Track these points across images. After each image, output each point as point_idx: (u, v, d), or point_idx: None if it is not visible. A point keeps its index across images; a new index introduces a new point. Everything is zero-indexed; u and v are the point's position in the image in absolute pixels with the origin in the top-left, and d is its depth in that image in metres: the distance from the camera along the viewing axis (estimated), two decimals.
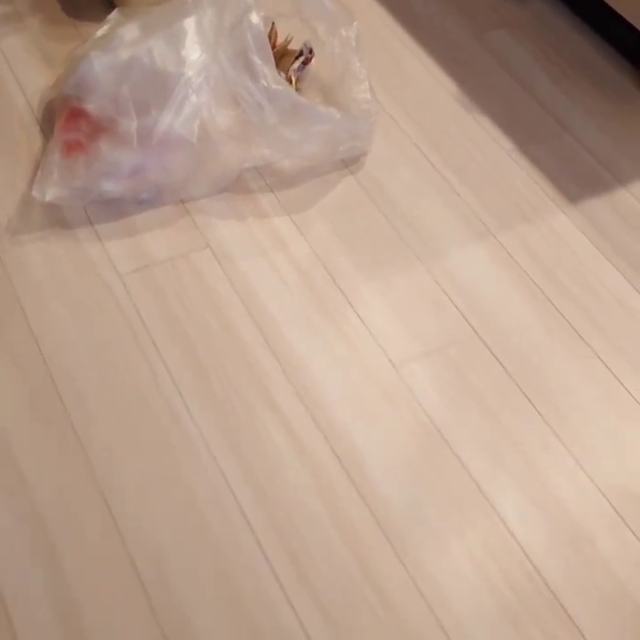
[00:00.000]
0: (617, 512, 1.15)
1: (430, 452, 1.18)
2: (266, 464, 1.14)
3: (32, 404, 1.16)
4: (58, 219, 1.36)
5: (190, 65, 1.38)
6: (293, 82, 1.55)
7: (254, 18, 1.36)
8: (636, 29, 1.68)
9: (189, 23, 1.40)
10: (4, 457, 1.11)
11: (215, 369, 1.23)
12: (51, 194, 1.32)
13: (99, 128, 1.39)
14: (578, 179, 1.55)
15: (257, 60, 1.36)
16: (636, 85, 1.73)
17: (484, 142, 1.59)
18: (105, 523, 1.07)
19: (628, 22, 1.68)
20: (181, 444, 1.15)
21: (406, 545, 1.10)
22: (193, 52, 1.38)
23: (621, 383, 1.28)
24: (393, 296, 1.34)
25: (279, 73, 1.52)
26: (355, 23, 1.51)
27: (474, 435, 1.20)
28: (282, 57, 1.60)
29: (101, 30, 1.53)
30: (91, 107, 1.41)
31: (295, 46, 1.61)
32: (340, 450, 1.17)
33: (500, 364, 1.28)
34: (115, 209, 1.38)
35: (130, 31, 1.46)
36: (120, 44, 1.44)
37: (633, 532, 1.13)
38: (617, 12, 1.68)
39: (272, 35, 1.60)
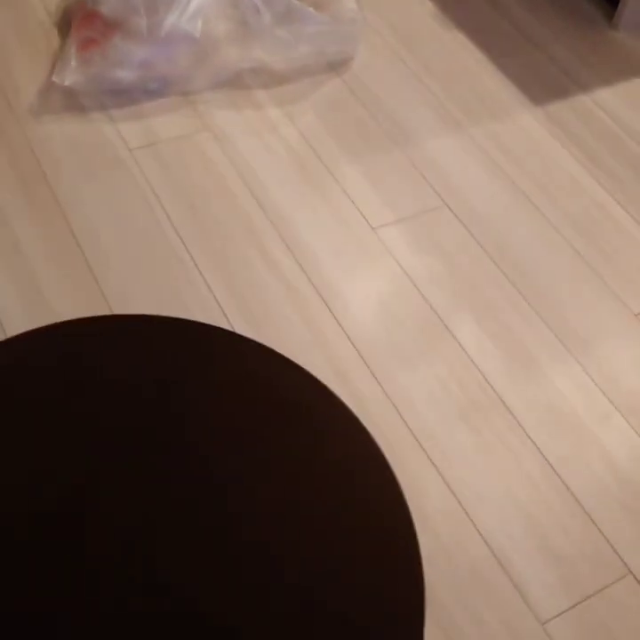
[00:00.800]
0: (567, 348, 1.32)
1: (401, 295, 1.35)
2: (256, 297, 1.31)
3: (51, 249, 1.32)
4: (75, 104, 1.53)
5: None
6: None
7: None
8: None
9: None
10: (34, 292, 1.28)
11: (215, 226, 1.39)
12: (69, 79, 1.49)
13: (111, 26, 1.55)
14: (543, 85, 1.72)
15: None
16: (601, 10, 1.90)
17: (459, 54, 1.75)
18: None
19: None
20: (183, 279, 1.31)
21: (381, 368, 1.26)
22: None
23: (571, 245, 1.45)
24: (373, 174, 1.51)
25: None
26: None
27: (441, 283, 1.37)
28: None
29: None
30: (104, 8, 1.57)
31: None
32: (324, 290, 1.33)
33: (466, 228, 1.45)
34: (126, 97, 1.55)
35: None
36: None
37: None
38: None
39: None
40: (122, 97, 1.55)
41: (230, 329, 1.26)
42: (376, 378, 1.25)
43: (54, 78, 1.49)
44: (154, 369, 0.74)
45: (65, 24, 1.66)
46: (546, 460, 1.19)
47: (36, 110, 1.51)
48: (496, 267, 1.41)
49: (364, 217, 1.44)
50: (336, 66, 1.68)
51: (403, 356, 1.28)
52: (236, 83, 1.62)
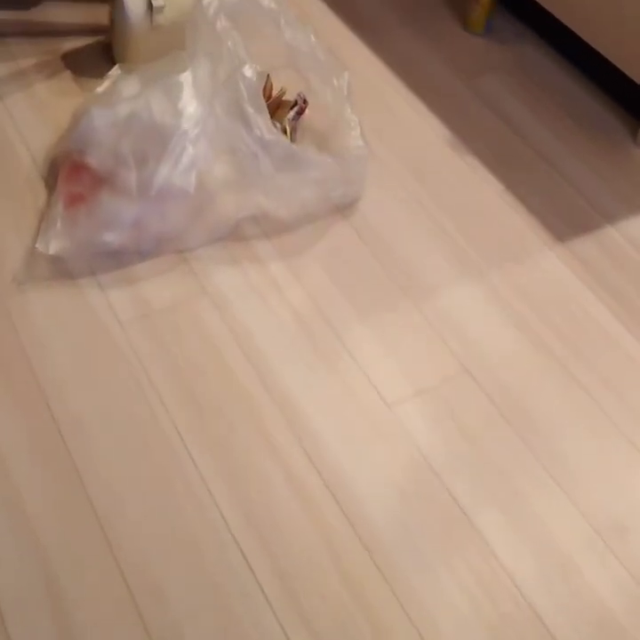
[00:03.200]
0: (605, 543, 1.18)
1: (421, 486, 1.21)
2: (261, 499, 1.18)
3: (32, 445, 1.20)
4: (62, 270, 1.41)
5: (187, 117, 1.43)
6: (288, 132, 1.60)
7: (247, 70, 1.41)
8: (625, 73, 1.73)
9: (186, 77, 1.47)
10: (7, 491, 1.15)
11: (213, 408, 1.27)
12: (54, 246, 1.38)
13: (99, 180, 1.45)
14: (566, 217, 1.59)
15: (250, 110, 1.42)
16: (625, 125, 1.78)
17: (474, 184, 1.64)
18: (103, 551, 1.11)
19: (614, 65, 1.73)
20: (181, 484, 1.18)
21: (397, 574, 1.12)
22: (189, 104, 1.44)
23: (609, 417, 1.31)
24: (386, 337, 1.38)
25: (275, 123, 1.58)
26: (346, 73, 1.57)
27: (465, 469, 1.23)
28: (277, 108, 1.66)
29: (102, 86, 1.60)
30: (92, 160, 1.46)
31: (290, 97, 1.67)
32: (334, 485, 1.20)
33: (491, 400, 1.32)
34: (116, 259, 1.43)
35: (129, 86, 1.53)
36: (119, 99, 1.50)
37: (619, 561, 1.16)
38: (602, 54, 1.74)
39: (267, 87, 1.65)
40: (112, 260, 1.43)
41: (226, 527, 1.14)
42: (396, 597, 1.11)
43: (38, 245, 1.38)
44: None
45: (52, 176, 1.56)
46: None
47: (20, 277, 1.40)
48: (524, 445, 1.27)
49: (378, 392, 1.31)
50: (342, 208, 1.57)
51: (421, 560, 1.14)
52: (235, 235, 1.50)
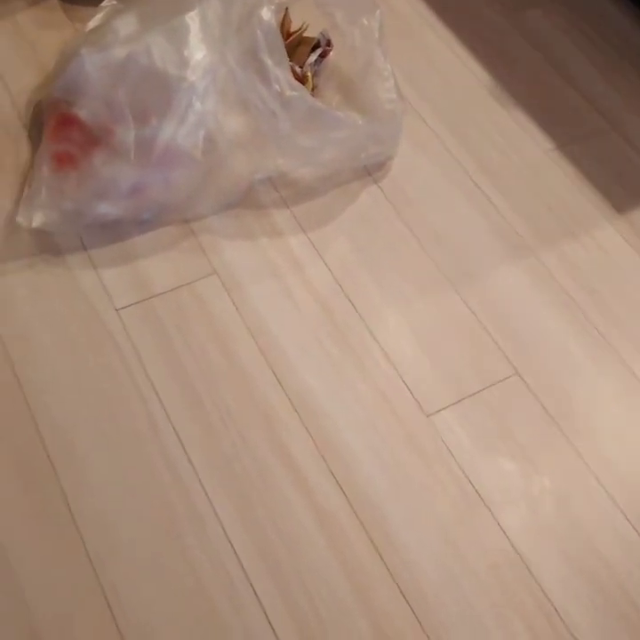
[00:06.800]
0: None
1: (466, 515, 1.05)
2: (278, 529, 1.02)
3: (18, 463, 1.03)
4: (47, 243, 1.22)
5: (194, 66, 1.22)
6: (310, 78, 1.39)
7: (265, 13, 1.19)
8: None
9: (192, 17, 1.24)
10: None
11: (222, 418, 1.10)
12: (38, 219, 1.18)
13: (92, 139, 1.24)
14: (626, 184, 1.39)
15: (268, 62, 1.20)
16: None
17: (521, 142, 1.43)
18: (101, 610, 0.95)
19: None
20: (183, 507, 1.02)
21: (442, 633, 0.97)
22: (197, 51, 1.22)
23: None
24: (422, 328, 1.20)
25: (294, 67, 1.36)
26: (378, 11, 1.34)
27: (510, 491, 1.07)
28: (297, 45, 1.44)
29: (94, 20, 1.37)
30: (82, 112, 1.25)
31: (311, 34, 1.44)
32: (362, 512, 1.04)
33: (544, 407, 1.14)
34: (111, 231, 1.24)
35: (126, 23, 1.30)
36: (115, 39, 1.28)
37: None
38: None
39: (285, 22, 1.43)
40: (106, 231, 1.24)
41: (243, 574, 0.98)
42: None
43: (19, 219, 1.18)
44: None
45: (36, 127, 1.34)
46: None
47: None
48: (583, 465, 1.10)
49: (415, 398, 1.13)
50: (372, 169, 1.36)
51: (475, 624, 0.98)
52: (249, 201, 1.30)
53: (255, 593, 0.97)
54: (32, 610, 0.94)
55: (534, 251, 1.30)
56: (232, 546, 1.00)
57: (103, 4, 1.46)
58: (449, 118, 1.44)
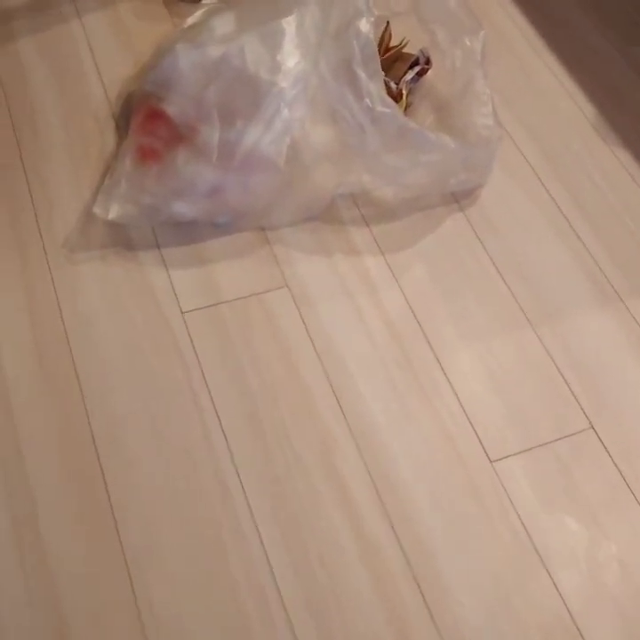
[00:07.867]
0: None
1: (521, 569, 0.98)
2: (321, 558, 0.97)
3: (63, 452, 1.01)
4: (121, 237, 1.20)
5: (286, 72, 1.18)
6: (404, 95, 1.34)
7: (364, 24, 1.15)
8: None
9: (289, 22, 1.21)
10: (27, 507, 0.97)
11: (277, 436, 1.05)
12: (114, 211, 1.16)
13: (177, 135, 1.21)
14: None
15: (362, 75, 1.16)
16: None
17: (620, 182, 1.35)
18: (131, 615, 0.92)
19: None
20: (227, 522, 0.98)
21: None
22: (290, 56, 1.19)
23: None
24: (495, 367, 1.14)
25: (389, 83, 1.32)
26: (482, 32, 1.29)
27: (573, 552, 1.00)
28: (395, 61, 1.40)
29: (193, 17, 1.35)
30: (171, 108, 1.23)
31: (411, 50, 1.40)
32: (412, 553, 0.98)
33: (617, 468, 1.07)
34: (186, 231, 1.21)
35: (223, 23, 1.28)
36: (210, 37, 1.26)
37: None
38: None
39: (385, 36, 1.39)
40: (181, 232, 1.21)
41: (279, 598, 0.93)
42: None
43: (96, 209, 1.16)
44: None
45: (124, 118, 1.33)
46: None
47: (72, 243, 1.18)
48: None
49: (481, 441, 1.07)
50: (459, 195, 1.31)
51: None
52: (328, 216, 1.26)
53: (289, 620, 0.93)
54: (62, 602, 0.91)
55: (623, 297, 1.22)
56: (271, 568, 0.96)
57: (205, 1, 1.45)
58: (546, 148, 1.37)
